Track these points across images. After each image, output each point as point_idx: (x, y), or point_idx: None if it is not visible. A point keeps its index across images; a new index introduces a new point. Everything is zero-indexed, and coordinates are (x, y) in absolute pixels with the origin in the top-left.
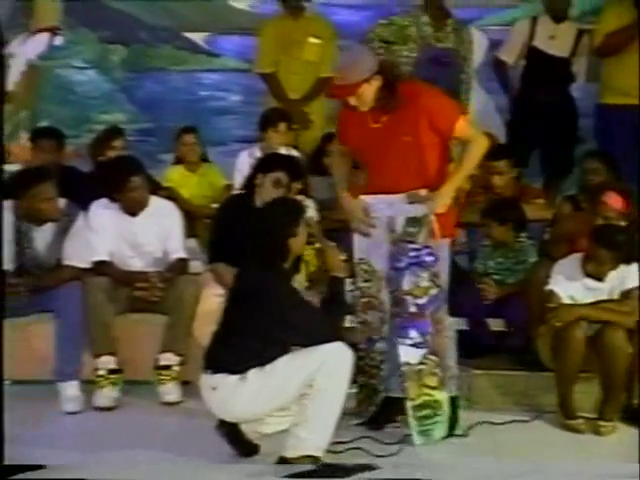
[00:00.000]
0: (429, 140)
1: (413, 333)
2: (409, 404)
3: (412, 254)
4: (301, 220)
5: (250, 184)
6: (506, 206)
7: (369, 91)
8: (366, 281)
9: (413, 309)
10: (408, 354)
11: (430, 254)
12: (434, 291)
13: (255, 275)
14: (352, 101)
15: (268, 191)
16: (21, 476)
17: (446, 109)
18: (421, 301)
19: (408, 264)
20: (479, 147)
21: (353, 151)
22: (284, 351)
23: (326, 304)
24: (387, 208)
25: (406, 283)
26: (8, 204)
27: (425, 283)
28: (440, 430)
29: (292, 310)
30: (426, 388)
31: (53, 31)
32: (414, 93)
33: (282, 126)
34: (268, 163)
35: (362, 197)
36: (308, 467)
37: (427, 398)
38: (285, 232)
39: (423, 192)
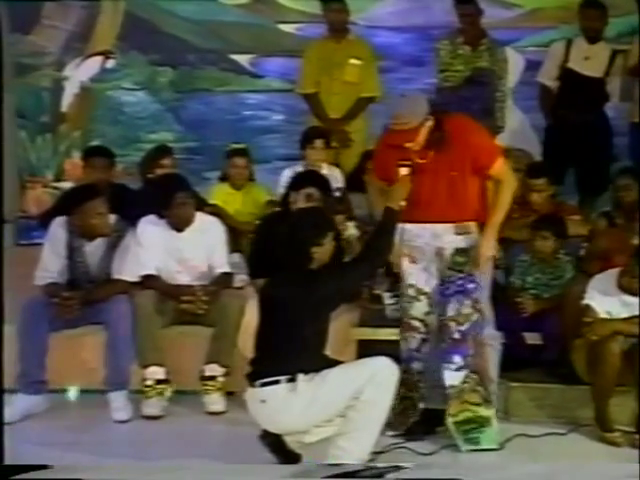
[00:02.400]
0: (471, 174)
1: (457, 358)
2: (450, 420)
3: (459, 282)
4: (327, 231)
5: (285, 202)
6: (556, 220)
7: (424, 132)
8: (409, 303)
9: (457, 335)
10: (452, 378)
11: (472, 281)
12: (475, 317)
13: (281, 283)
14: (407, 144)
15: (301, 206)
16: (25, 476)
17: (488, 148)
18: (463, 327)
19: (454, 292)
20: (510, 187)
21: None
22: (322, 350)
23: (375, 231)
24: (435, 238)
25: (450, 310)
26: (61, 220)
27: (467, 310)
28: (488, 439)
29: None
30: (468, 404)
31: (106, 55)
32: (460, 129)
33: (318, 143)
34: (299, 181)
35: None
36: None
37: (470, 414)
38: (309, 241)
39: (472, 225)
